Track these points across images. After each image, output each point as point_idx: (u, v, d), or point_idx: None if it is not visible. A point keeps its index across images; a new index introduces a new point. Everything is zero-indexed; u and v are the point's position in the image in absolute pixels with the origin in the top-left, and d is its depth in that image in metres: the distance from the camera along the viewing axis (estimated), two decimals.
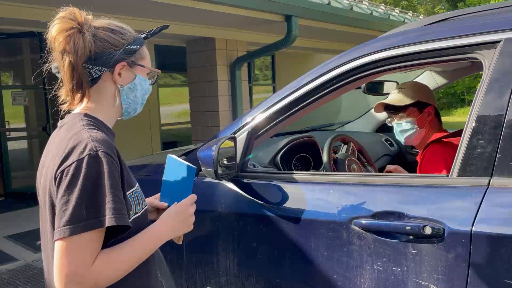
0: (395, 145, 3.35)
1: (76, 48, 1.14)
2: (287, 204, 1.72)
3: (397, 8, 10.81)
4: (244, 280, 1.83)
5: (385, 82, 2.66)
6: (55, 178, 1.08)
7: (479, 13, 1.72)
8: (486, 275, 1.32)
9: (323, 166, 2.29)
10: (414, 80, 2.75)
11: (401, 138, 2.28)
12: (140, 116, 8.11)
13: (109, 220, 1.05)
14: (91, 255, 1.05)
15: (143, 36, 1.30)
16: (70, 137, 1.12)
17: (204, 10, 5.01)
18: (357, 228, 1.53)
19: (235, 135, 1.87)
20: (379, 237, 1.49)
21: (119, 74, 1.22)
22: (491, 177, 1.37)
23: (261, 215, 1.76)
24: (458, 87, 22.18)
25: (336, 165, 2.33)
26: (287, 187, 1.76)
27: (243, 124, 1.90)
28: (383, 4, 9.15)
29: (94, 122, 1.19)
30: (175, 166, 1.35)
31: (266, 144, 2.35)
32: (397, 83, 2.54)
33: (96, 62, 1.17)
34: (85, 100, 1.22)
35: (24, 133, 7.30)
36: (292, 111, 1.82)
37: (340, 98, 3.76)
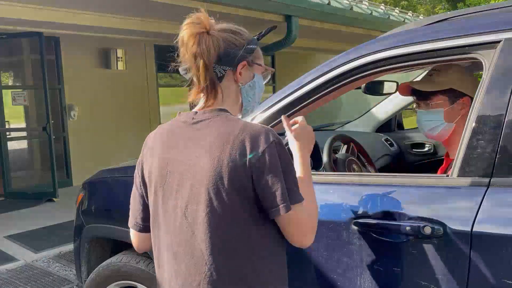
0: (395, 145, 3.35)
1: (208, 48, 1.22)
2: None
3: (397, 8, 10.81)
4: None
5: (385, 82, 2.66)
6: (250, 166, 1.16)
7: (479, 13, 1.71)
8: (486, 275, 1.32)
9: (323, 166, 2.29)
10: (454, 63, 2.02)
11: (421, 129, 1.97)
12: (140, 116, 8.14)
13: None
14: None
15: (256, 37, 1.37)
16: (240, 130, 1.19)
17: (204, 10, 5.02)
18: (357, 228, 1.53)
19: None
20: (379, 237, 1.49)
21: (240, 73, 1.29)
22: (491, 177, 1.37)
23: None
24: None
25: (336, 165, 2.32)
26: None
27: None
28: (383, 4, 9.15)
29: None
30: None
31: None
32: (397, 83, 2.54)
33: (221, 61, 1.24)
34: (215, 99, 1.28)
35: (24, 133, 7.30)
36: (292, 111, 1.82)
37: (340, 98, 3.75)
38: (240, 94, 1.31)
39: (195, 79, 1.26)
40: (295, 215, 1.20)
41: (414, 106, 2.01)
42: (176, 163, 1.24)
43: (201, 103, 1.29)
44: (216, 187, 1.17)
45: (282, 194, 1.17)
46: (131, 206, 1.41)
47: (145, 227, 1.38)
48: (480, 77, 1.49)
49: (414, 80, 2.00)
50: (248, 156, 1.16)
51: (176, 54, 1.29)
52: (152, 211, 1.31)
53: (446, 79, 1.86)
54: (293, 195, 1.19)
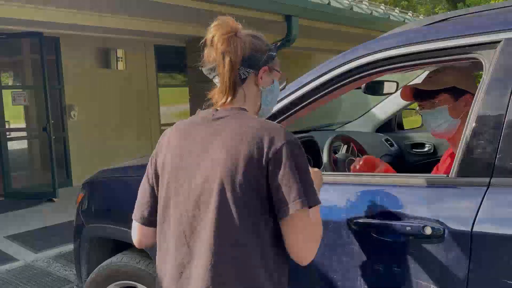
0: (395, 145, 3.35)
1: (236, 49, 1.27)
2: None
3: (397, 8, 10.82)
4: None
5: (385, 82, 2.66)
6: (266, 161, 1.18)
7: (479, 13, 1.72)
8: (486, 275, 1.32)
9: (323, 166, 2.29)
10: (451, 63, 2.12)
11: (429, 128, 2.00)
12: (140, 116, 8.13)
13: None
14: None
15: (273, 45, 1.43)
16: (260, 126, 1.23)
17: (204, 10, 5.01)
18: (357, 228, 1.53)
19: None
20: (379, 237, 1.49)
21: (261, 77, 1.35)
22: (491, 177, 1.37)
23: None
24: None
25: (336, 165, 2.33)
26: None
27: None
28: (383, 4, 9.15)
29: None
30: None
31: None
32: (397, 83, 2.54)
33: (246, 64, 1.30)
34: (236, 98, 1.32)
35: (24, 133, 7.30)
36: (292, 111, 1.82)
37: (340, 98, 3.75)
38: (260, 97, 1.37)
39: (219, 79, 1.31)
40: (305, 217, 1.19)
41: (418, 109, 2.03)
42: (192, 156, 1.27)
43: (221, 102, 1.32)
44: (231, 180, 1.19)
45: (297, 190, 1.18)
46: (138, 199, 1.43)
47: (150, 221, 1.39)
48: (480, 77, 1.49)
49: (414, 83, 2.05)
50: (265, 152, 1.19)
51: (201, 55, 1.34)
52: (163, 204, 1.32)
53: (449, 78, 1.91)
54: (308, 195, 1.20)
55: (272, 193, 1.20)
